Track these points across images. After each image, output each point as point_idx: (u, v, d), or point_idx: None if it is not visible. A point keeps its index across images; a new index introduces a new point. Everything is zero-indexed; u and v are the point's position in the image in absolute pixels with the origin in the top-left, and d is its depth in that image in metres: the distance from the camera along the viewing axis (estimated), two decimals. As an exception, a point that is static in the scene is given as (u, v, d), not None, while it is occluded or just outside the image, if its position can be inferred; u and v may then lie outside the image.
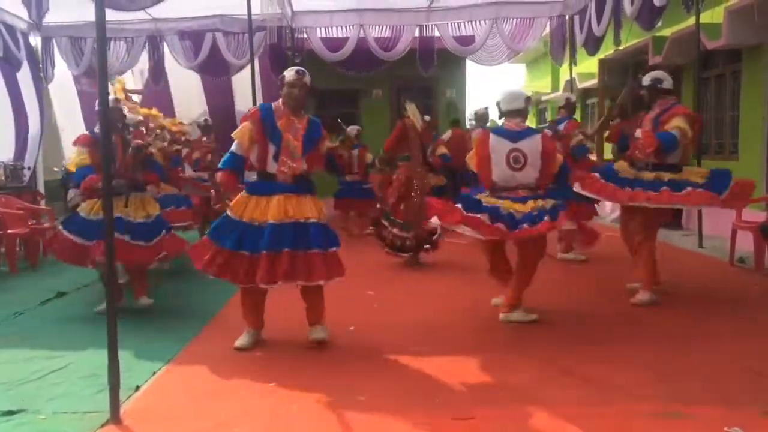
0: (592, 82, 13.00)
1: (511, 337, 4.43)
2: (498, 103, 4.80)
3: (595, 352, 4.07)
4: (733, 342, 4.25)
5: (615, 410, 3.15)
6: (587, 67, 12.61)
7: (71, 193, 10.01)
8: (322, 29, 10.92)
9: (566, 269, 6.77)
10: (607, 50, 10.55)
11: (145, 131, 7.19)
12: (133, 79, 11.70)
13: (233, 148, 4.17)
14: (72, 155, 5.42)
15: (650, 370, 3.70)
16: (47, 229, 7.84)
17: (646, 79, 5.28)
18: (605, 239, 7.02)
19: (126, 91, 8.79)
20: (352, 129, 9.02)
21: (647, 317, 4.89)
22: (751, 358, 3.90)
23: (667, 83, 5.25)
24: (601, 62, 11.13)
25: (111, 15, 7.19)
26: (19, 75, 9.95)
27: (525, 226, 4.30)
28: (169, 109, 10.54)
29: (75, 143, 5.22)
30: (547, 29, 10.88)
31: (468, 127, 11.08)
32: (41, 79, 10.89)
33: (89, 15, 3.36)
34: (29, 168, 9.82)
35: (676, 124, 4.95)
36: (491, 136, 4.66)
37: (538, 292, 5.62)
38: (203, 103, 11.73)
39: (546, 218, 4.31)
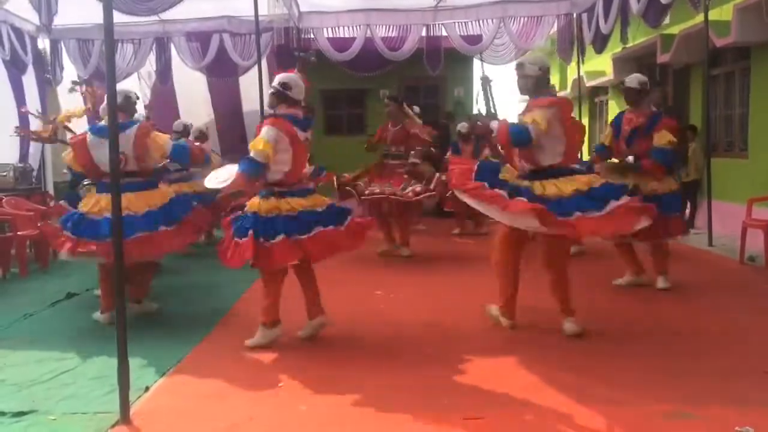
0: (600, 80, 12.97)
1: (520, 337, 4.41)
2: None
3: (604, 353, 4.05)
4: (743, 341, 4.23)
5: (625, 411, 3.13)
6: (595, 65, 12.58)
7: (81, 194, 10.09)
8: (329, 29, 10.94)
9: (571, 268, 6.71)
10: (614, 48, 10.52)
11: None
12: (139, 82, 11.73)
13: None
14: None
15: (660, 371, 3.68)
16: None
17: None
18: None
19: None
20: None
21: (656, 317, 4.87)
22: (762, 357, 3.87)
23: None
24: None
25: (119, 17, 7.23)
26: (24, 78, 10.02)
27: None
28: (173, 111, 10.57)
29: None
30: (555, 27, 10.86)
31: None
32: (48, 81, 10.96)
33: (97, 17, 3.36)
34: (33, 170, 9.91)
35: (531, 114, 4.26)
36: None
37: (543, 291, 5.60)
38: (209, 104, 11.76)
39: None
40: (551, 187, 4.17)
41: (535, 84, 4.39)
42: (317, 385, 3.55)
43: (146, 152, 4.85)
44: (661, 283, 5.58)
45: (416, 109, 9.68)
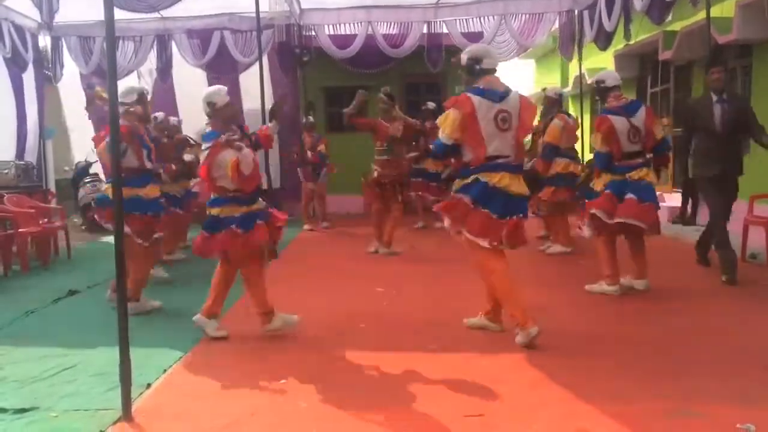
0: (602, 77, 12.94)
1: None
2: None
3: (606, 351, 4.05)
4: (745, 338, 4.22)
5: (627, 409, 3.12)
6: (597, 62, 12.55)
7: (81, 191, 10.12)
8: (330, 27, 10.95)
9: (568, 264, 6.71)
10: (616, 45, 10.50)
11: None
12: (139, 80, 11.71)
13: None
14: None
15: (661, 368, 3.67)
16: (59, 228, 7.90)
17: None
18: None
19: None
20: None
21: (657, 314, 4.86)
22: (763, 354, 3.87)
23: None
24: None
25: (120, 14, 7.25)
26: (24, 75, 10.03)
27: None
28: (172, 109, 10.57)
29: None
30: (556, 24, 10.85)
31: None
32: (49, 79, 10.96)
33: (98, 14, 3.36)
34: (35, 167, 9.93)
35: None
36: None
37: (543, 288, 5.60)
38: None
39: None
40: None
41: (465, 74, 4.28)
42: (318, 382, 3.55)
43: None
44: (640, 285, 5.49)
45: (431, 104, 9.77)
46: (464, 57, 4.27)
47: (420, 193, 9.52)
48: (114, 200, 3.26)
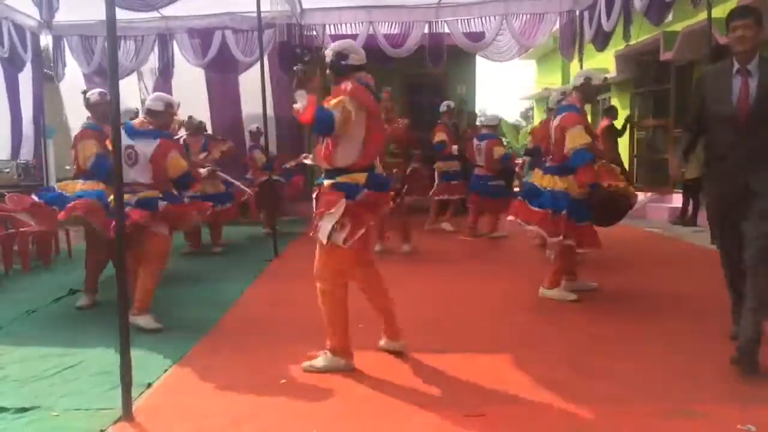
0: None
1: (521, 333, 4.42)
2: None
3: (607, 350, 4.05)
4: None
5: (628, 408, 3.13)
6: (598, 63, 12.55)
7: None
8: (331, 26, 10.95)
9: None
10: (617, 45, 10.50)
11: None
12: (138, 82, 11.69)
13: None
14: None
15: (661, 369, 3.68)
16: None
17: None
18: (622, 234, 6.95)
19: None
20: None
21: (658, 314, 4.87)
22: (763, 355, 3.86)
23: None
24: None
25: (121, 13, 7.27)
26: (20, 75, 10.02)
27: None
28: None
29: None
30: (557, 25, 10.84)
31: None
32: (50, 78, 10.96)
33: (100, 13, 3.36)
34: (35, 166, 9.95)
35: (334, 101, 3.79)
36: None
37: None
38: (206, 102, 11.69)
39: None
40: None
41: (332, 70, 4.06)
42: (318, 382, 3.56)
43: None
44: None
45: (450, 104, 9.79)
46: (330, 53, 4.00)
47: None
48: (116, 200, 3.26)
